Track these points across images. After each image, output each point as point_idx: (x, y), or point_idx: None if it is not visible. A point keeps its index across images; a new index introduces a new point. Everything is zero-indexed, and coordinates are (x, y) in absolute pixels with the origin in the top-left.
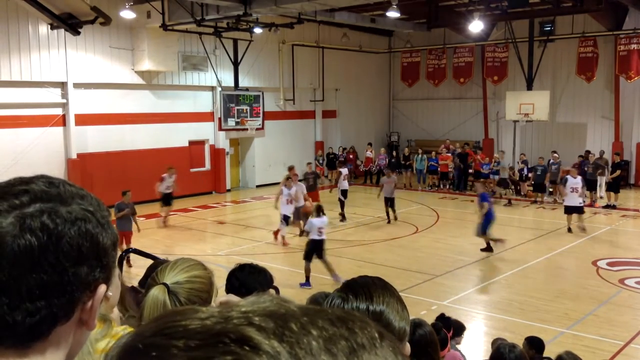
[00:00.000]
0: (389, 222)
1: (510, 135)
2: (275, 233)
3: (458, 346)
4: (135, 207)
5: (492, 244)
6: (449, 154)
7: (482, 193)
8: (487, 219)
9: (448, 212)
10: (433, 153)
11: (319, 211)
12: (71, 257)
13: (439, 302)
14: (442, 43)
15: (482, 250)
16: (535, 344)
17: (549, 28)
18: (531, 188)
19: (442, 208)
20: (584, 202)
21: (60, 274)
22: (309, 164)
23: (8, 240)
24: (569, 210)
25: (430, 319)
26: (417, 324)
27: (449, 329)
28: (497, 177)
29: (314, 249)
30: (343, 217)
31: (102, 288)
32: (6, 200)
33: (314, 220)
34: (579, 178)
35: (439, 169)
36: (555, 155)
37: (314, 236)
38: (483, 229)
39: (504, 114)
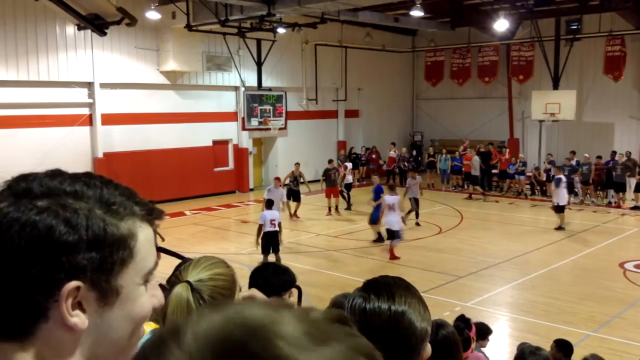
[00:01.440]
0: (417, 224)
1: (536, 135)
2: (391, 252)
3: (483, 349)
4: (160, 207)
5: (382, 234)
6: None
7: (378, 185)
8: (377, 210)
9: (472, 212)
10: (457, 153)
11: (270, 205)
12: (18, 252)
13: (462, 303)
14: (466, 42)
15: (374, 241)
16: (563, 347)
17: (575, 27)
18: None
19: (466, 208)
20: (557, 201)
21: (9, 269)
22: (330, 161)
23: None
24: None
25: (453, 321)
26: (439, 325)
27: (470, 330)
28: (522, 178)
29: (270, 242)
30: (349, 207)
31: (71, 285)
32: None
33: (266, 213)
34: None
35: (463, 169)
36: (586, 155)
37: (268, 228)
38: (374, 219)
39: (529, 114)
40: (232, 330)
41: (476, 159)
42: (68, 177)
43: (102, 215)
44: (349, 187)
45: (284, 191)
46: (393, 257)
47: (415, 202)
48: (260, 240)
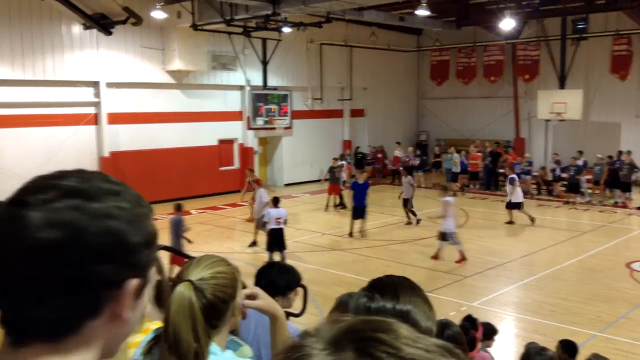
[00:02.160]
0: (408, 223)
1: (542, 134)
2: (438, 253)
3: (489, 349)
4: (165, 206)
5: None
6: (479, 154)
7: (366, 182)
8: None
9: (478, 212)
10: (463, 152)
11: (276, 202)
12: (94, 255)
13: (468, 303)
14: (472, 41)
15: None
16: (568, 348)
17: (581, 26)
18: (564, 189)
19: (471, 208)
20: (511, 198)
21: (83, 271)
22: (335, 158)
23: (32, 235)
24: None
25: (459, 321)
26: (445, 325)
27: (476, 330)
28: (528, 177)
29: (275, 240)
30: (342, 206)
31: (133, 283)
32: (36, 195)
33: (272, 211)
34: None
35: (469, 168)
36: (599, 156)
37: (272, 226)
38: (364, 214)
39: (535, 113)
40: None
41: (456, 156)
42: (106, 179)
43: (146, 215)
44: (342, 184)
45: (263, 191)
46: (436, 257)
47: (405, 202)
48: (265, 237)
